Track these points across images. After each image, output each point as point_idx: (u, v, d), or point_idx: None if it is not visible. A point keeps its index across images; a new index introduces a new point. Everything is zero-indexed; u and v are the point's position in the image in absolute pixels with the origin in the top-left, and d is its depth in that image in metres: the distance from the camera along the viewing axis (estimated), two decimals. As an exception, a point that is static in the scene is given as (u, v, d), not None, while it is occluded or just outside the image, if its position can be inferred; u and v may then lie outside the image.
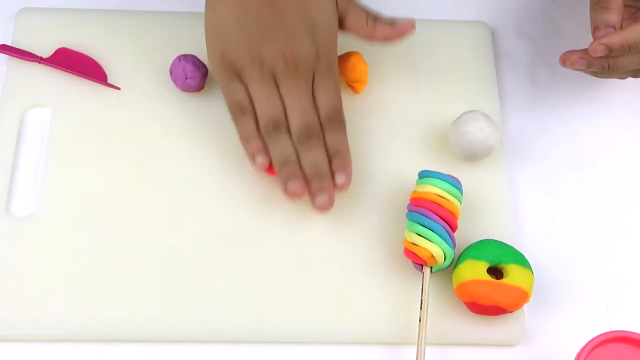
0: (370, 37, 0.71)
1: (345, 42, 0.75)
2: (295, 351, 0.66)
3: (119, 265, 0.67)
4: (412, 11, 0.81)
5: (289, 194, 0.67)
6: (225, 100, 0.69)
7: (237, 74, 0.68)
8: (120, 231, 0.68)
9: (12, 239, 0.68)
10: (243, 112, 0.68)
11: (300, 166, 0.68)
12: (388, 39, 0.71)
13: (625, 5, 0.72)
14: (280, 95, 0.68)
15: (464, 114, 0.71)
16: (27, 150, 0.72)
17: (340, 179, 0.67)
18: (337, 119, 0.69)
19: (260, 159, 0.68)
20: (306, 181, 0.67)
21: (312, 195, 0.67)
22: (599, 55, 0.67)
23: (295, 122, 0.68)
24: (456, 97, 0.76)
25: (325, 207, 0.67)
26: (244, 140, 0.68)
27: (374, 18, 0.70)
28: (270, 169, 0.69)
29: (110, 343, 0.65)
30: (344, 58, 0.74)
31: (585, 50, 0.68)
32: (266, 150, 0.68)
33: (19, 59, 0.75)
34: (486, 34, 0.80)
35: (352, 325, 0.66)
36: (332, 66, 0.70)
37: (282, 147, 0.68)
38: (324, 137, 0.68)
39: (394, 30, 0.70)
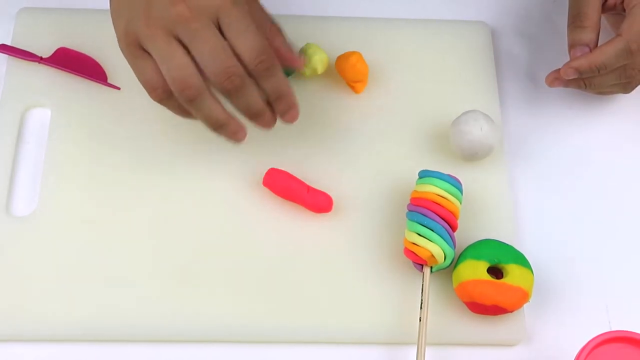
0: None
1: (346, 42, 0.75)
2: (295, 351, 0.66)
3: (118, 265, 0.67)
4: (413, 11, 0.81)
5: (233, 139, 0.64)
6: (140, 82, 0.63)
7: (140, 44, 0.62)
8: (120, 231, 0.68)
9: (12, 238, 0.68)
10: (156, 89, 0.62)
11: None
12: (278, 52, 0.65)
13: (613, 14, 0.74)
14: (186, 51, 0.60)
15: (464, 113, 0.71)
16: (27, 150, 0.72)
17: (286, 117, 0.64)
18: (264, 62, 0.61)
19: (239, 135, 0.64)
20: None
21: (258, 126, 0.64)
22: (570, 77, 0.71)
23: (210, 69, 0.60)
24: (456, 97, 0.76)
25: (266, 126, 0.64)
26: (181, 118, 0.64)
27: (276, 30, 0.66)
28: (267, 182, 0.69)
29: (110, 343, 0.65)
30: (344, 58, 0.74)
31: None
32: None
33: (19, 59, 0.75)
34: (486, 34, 0.80)
35: (352, 325, 0.66)
36: (236, 3, 0.60)
37: (206, 111, 0.62)
38: (257, 85, 0.62)
39: (289, 51, 0.66)
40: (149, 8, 0.60)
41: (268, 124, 0.65)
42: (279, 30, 0.67)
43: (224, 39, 0.60)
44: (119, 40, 0.63)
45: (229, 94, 0.61)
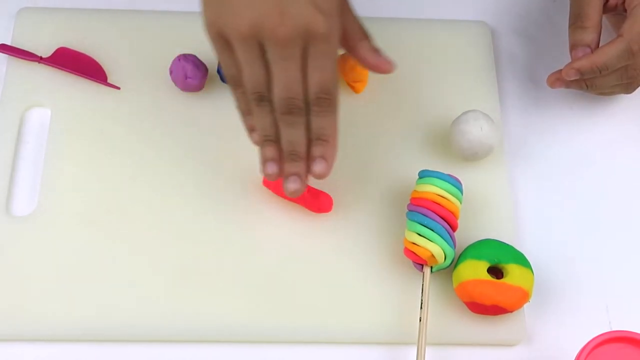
0: (351, 50, 0.66)
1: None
2: (295, 351, 0.66)
3: (118, 264, 0.67)
4: (413, 11, 0.81)
5: (266, 176, 0.64)
6: (223, 69, 0.64)
7: (227, 42, 0.62)
8: (119, 231, 0.68)
9: (12, 238, 0.68)
10: (237, 85, 0.63)
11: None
12: (363, 62, 0.66)
13: (614, 15, 0.74)
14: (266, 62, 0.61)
15: (464, 113, 0.71)
16: (27, 150, 0.72)
17: (318, 167, 0.63)
18: (326, 100, 0.62)
19: (254, 137, 0.65)
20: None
21: (284, 178, 0.64)
22: (572, 78, 0.71)
23: (276, 95, 0.62)
24: (456, 97, 0.76)
25: (295, 194, 0.64)
26: (241, 115, 0.65)
27: (363, 35, 0.66)
28: (267, 182, 0.69)
29: (110, 343, 0.65)
30: (344, 58, 0.74)
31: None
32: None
33: (19, 59, 0.75)
34: (486, 34, 0.80)
35: (352, 325, 0.66)
36: (330, 36, 0.61)
37: (264, 122, 0.63)
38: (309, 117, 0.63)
39: (373, 58, 0.66)
40: (246, 7, 0.60)
41: (296, 173, 0.64)
42: (367, 38, 0.66)
43: (301, 70, 0.61)
44: (205, 30, 0.63)
45: (281, 118, 0.63)
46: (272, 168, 0.63)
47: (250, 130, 0.65)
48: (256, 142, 0.65)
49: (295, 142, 0.63)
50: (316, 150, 0.63)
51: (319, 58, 0.62)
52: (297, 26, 0.60)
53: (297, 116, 0.62)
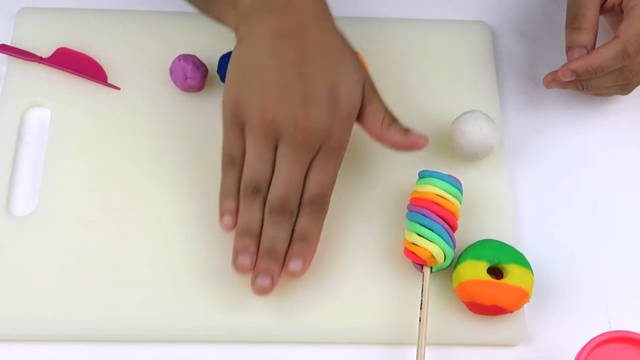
0: (379, 138, 0.67)
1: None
2: (295, 351, 0.66)
3: (118, 264, 0.67)
4: (413, 11, 0.81)
5: (236, 266, 0.63)
6: (222, 147, 0.66)
7: (241, 125, 0.64)
8: (119, 230, 0.68)
9: (12, 238, 0.68)
10: (232, 165, 0.65)
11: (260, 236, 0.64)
12: (397, 145, 0.66)
13: (612, 15, 0.74)
14: (274, 159, 0.64)
15: (464, 113, 0.71)
16: (27, 150, 0.72)
17: (294, 265, 0.63)
18: (319, 205, 0.64)
19: (227, 220, 0.64)
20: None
21: (255, 274, 0.63)
22: (568, 79, 0.71)
23: (275, 192, 0.63)
24: (456, 97, 0.76)
25: (262, 292, 0.63)
26: (222, 194, 0.65)
27: (390, 120, 0.66)
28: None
29: (110, 343, 0.65)
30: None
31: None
32: (237, 213, 0.64)
33: (19, 59, 0.75)
34: (486, 34, 0.80)
35: (352, 325, 0.66)
36: (341, 148, 0.65)
37: (251, 214, 0.64)
38: (297, 218, 0.64)
39: (405, 139, 0.66)
40: (273, 105, 0.63)
41: (270, 270, 0.63)
42: (394, 121, 0.67)
43: (304, 175, 0.64)
44: (224, 102, 0.65)
45: (271, 215, 0.63)
46: (247, 261, 0.63)
47: (224, 213, 0.64)
48: (226, 228, 0.64)
49: (277, 241, 0.63)
50: (296, 249, 0.64)
51: (326, 164, 0.64)
52: (316, 132, 0.63)
53: (288, 217, 0.63)
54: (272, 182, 0.63)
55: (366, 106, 0.66)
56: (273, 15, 0.63)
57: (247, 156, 0.64)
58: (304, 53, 0.63)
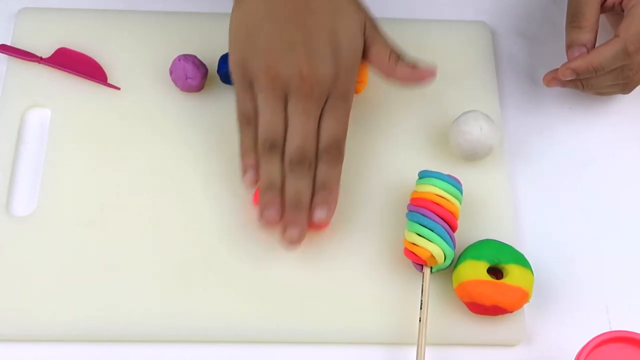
0: (389, 74, 0.68)
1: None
2: (295, 351, 0.66)
3: (118, 264, 0.67)
4: (413, 11, 0.81)
5: (264, 220, 0.65)
6: (235, 106, 0.68)
7: (250, 83, 0.66)
8: (119, 230, 0.68)
9: (12, 238, 0.68)
10: (248, 122, 0.66)
11: (284, 191, 0.65)
12: (406, 80, 0.68)
13: (612, 14, 0.74)
14: (286, 112, 0.65)
15: (464, 113, 0.71)
16: (27, 150, 0.72)
17: (319, 213, 0.65)
18: (335, 151, 0.66)
19: (250, 176, 0.66)
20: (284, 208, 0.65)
21: (283, 226, 0.65)
22: (568, 78, 0.71)
23: (291, 145, 0.65)
24: (456, 97, 0.76)
25: (293, 243, 0.65)
26: (242, 151, 0.67)
27: (397, 56, 0.68)
28: (255, 197, 0.68)
29: (110, 343, 0.65)
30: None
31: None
32: (257, 169, 0.66)
33: (19, 59, 0.75)
34: (486, 34, 0.80)
35: (352, 325, 0.66)
36: (348, 94, 0.67)
37: (271, 168, 0.65)
38: (316, 167, 0.66)
39: (414, 73, 0.68)
40: (278, 59, 0.64)
41: (298, 221, 0.64)
42: (401, 58, 0.68)
43: (317, 123, 0.65)
44: (231, 63, 0.67)
45: (291, 168, 0.65)
46: (274, 214, 0.65)
47: (246, 169, 0.66)
48: (249, 184, 0.66)
49: (301, 192, 0.65)
50: (319, 197, 0.65)
51: (336, 111, 0.65)
52: (322, 82, 0.64)
53: (308, 167, 0.65)
54: (288, 136, 0.65)
55: (371, 46, 0.67)
56: None
57: (259, 114, 0.65)
58: (301, 4, 0.65)
